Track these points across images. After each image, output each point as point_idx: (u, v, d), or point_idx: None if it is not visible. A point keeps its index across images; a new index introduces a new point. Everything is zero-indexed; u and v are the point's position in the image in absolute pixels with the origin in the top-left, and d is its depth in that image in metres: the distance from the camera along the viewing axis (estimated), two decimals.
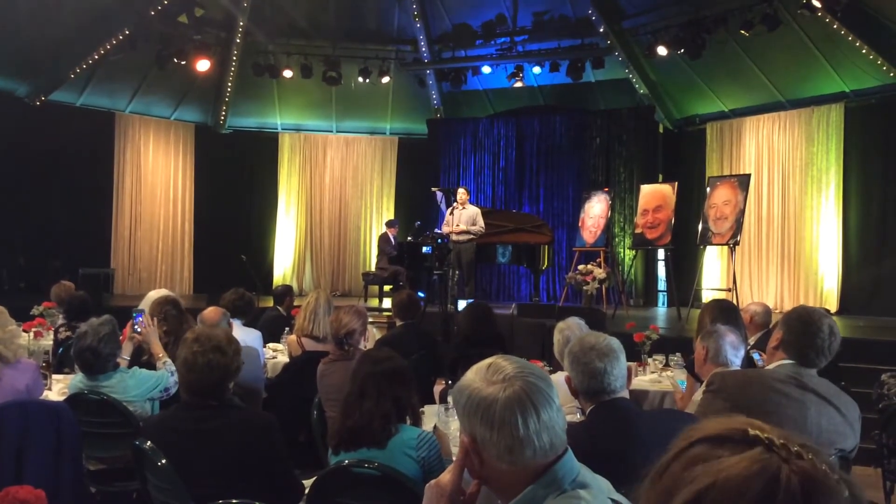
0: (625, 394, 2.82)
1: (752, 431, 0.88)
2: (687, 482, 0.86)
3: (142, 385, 4.11)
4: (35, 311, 7.23)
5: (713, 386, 3.06)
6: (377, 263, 12.86)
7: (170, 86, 13.96)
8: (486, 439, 1.57)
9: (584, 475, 1.62)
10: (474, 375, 1.64)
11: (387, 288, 12.30)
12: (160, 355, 4.38)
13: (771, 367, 3.07)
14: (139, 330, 4.49)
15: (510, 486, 1.59)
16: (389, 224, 12.81)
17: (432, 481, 1.70)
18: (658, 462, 0.93)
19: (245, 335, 5.14)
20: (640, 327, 6.40)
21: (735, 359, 3.66)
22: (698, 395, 3.70)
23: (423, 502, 1.70)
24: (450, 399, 3.67)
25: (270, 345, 6.48)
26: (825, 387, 2.92)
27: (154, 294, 5.55)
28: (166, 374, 4.20)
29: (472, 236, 10.73)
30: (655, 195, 11.19)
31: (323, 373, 4.25)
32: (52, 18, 11.42)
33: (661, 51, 11.85)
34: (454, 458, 3.04)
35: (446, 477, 1.67)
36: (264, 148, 15.20)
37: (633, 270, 12.86)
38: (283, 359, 6.01)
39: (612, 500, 1.64)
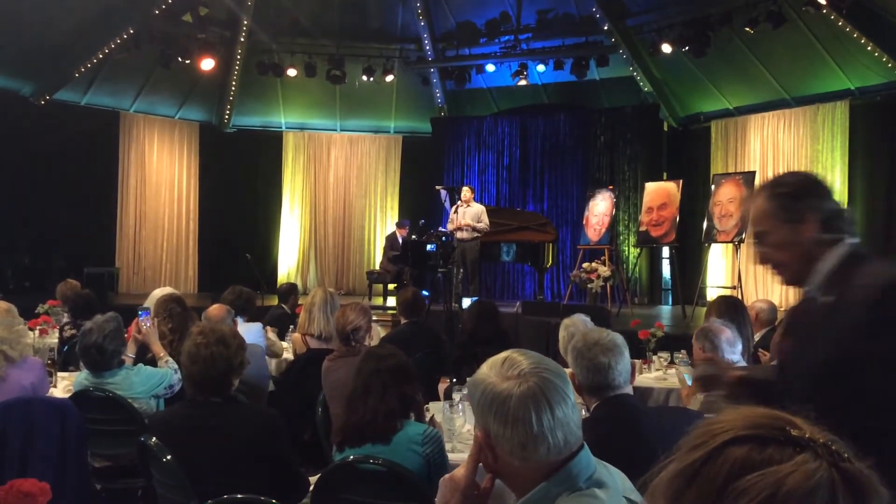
0: (629, 390, 2.82)
1: (794, 432, 0.84)
2: (739, 492, 0.80)
3: (147, 382, 4.12)
4: (40, 309, 7.25)
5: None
6: (381, 262, 12.89)
7: (174, 85, 13.98)
8: (500, 435, 1.56)
9: (601, 473, 1.61)
10: (489, 370, 1.63)
11: (391, 286, 12.31)
12: (161, 355, 4.39)
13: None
14: (142, 329, 4.50)
15: (524, 482, 1.59)
16: (400, 225, 12.79)
17: (446, 475, 1.70)
18: (682, 461, 0.86)
19: (245, 330, 5.13)
20: (644, 325, 6.39)
21: (732, 355, 3.66)
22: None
23: (437, 496, 1.70)
24: (455, 396, 3.67)
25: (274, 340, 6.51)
26: None
27: (159, 292, 5.57)
28: (170, 371, 4.21)
29: (476, 234, 10.71)
30: (660, 193, 11.18)
31: (328, 369, 4.25)
32: (57, 18, 11.44)
33: (666, 48, 11.82)
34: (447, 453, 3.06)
35: (460, 471, 1.67)
36: (268, 147, 15.21)
37: (637, 268, 12.84)
38: (288, 356, 6.02)
39: (628, 499, 1.62)
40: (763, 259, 2.20)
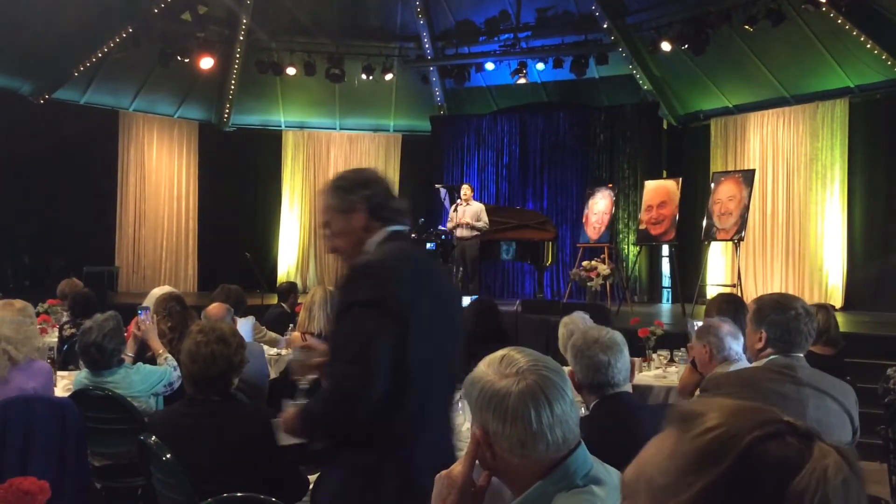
0: (628, 388, 2.82)
1: (795, 423, 0.82)
2: (797, 495, 0.75)
3: (146, 380, 4.12)
4: (39, 308, 7.25)
5: (708, 393, 3.02)
6: None
7: (173, 84, 13.97)
8: (499, 433, 1.56)
9: (598, 469, 1.61)
10: (487, 367, 1.63)
11: None
12: (160, 351, 4.38)
13: (761, 362, 3.02)
14: (141, 327, 4.50)
15: (522, 479, 1.59)
16: None
17: (443, 472, 1.69)
18: (704, 477, 0.78)
19: (240, 327, 5.13)
20: (644, 323, 6.39)
21: (738, 347, 3.66)
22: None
23: (433, 493, 1.69)
24: (454, 394, 3.66)
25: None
26: (819, 378, 2.91)
27: (158, 291, 5.57)
28: (169, 369, 4.20)
29: (476, 233, 10.72)
30: (660, 191, 11.18)
31: None
32: (56, 16, 11.43)
33: (665, 46, 11.82)
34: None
35: (457, 468, 1.67)
36: (268, 145, 15.20)
37: (637, 266, 12.84)
38: (287, 354, 6.02)
39: None
40: (329, 246, 2.43)
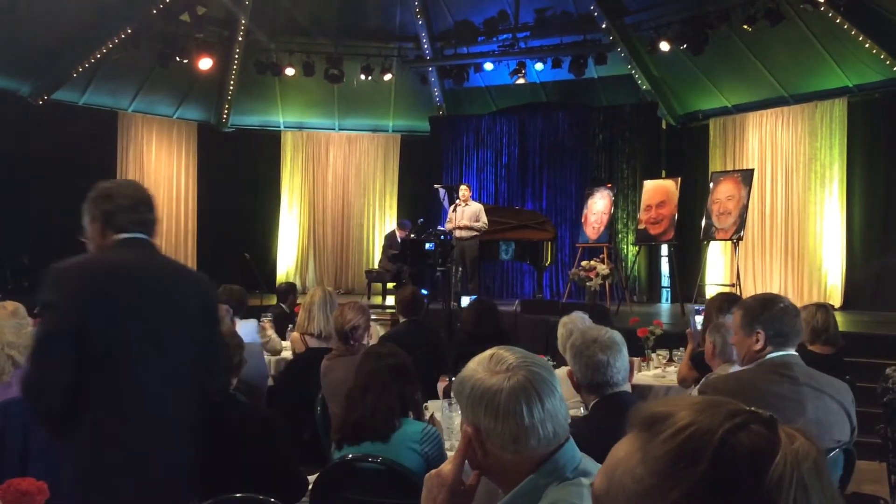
0: (627, 388, 2.82)
1: (763, 413, 0.83)
2: (776, 483, 0.76)
3: None
4: (38, 309, 7.24)
5: (706, 395, 3.00)
6: (380, 261, 12.89)
7: (172, 84, 13.96)
8: (491, 429, 1.57)
9: (586, 463, 1.63)
10: (476, 366, 1.65)
11: (390, 285, 12.32)
12: None
13: (757, 363, 3.00)
14: None
15: (512, 475, 1.60)
16: (401, 226, 12.77)
17: (433, 471, 1.70)
18: (683, 481, 0.77)
19: (241, 328, 5.12)
20: (643, 323, 6.40)
21: None
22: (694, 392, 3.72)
23: (423, 493, 1.70)
24: (454, 395, 3.67)
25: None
26: (816, 377, 2.91)
27: None
28: None
29: (475, 233, 10.73)
30: (658, 191, 11.18)
31: (327, 369, 4.25)
32: (55, 17, 11.42)
33: (664, 46, 11.82)
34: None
35: (447, 467, 1.67)
36: (267, 146, 15.20)
37: (636, 266, 12.84)
38: (287, 355, 6.01)
39: None
40: None
